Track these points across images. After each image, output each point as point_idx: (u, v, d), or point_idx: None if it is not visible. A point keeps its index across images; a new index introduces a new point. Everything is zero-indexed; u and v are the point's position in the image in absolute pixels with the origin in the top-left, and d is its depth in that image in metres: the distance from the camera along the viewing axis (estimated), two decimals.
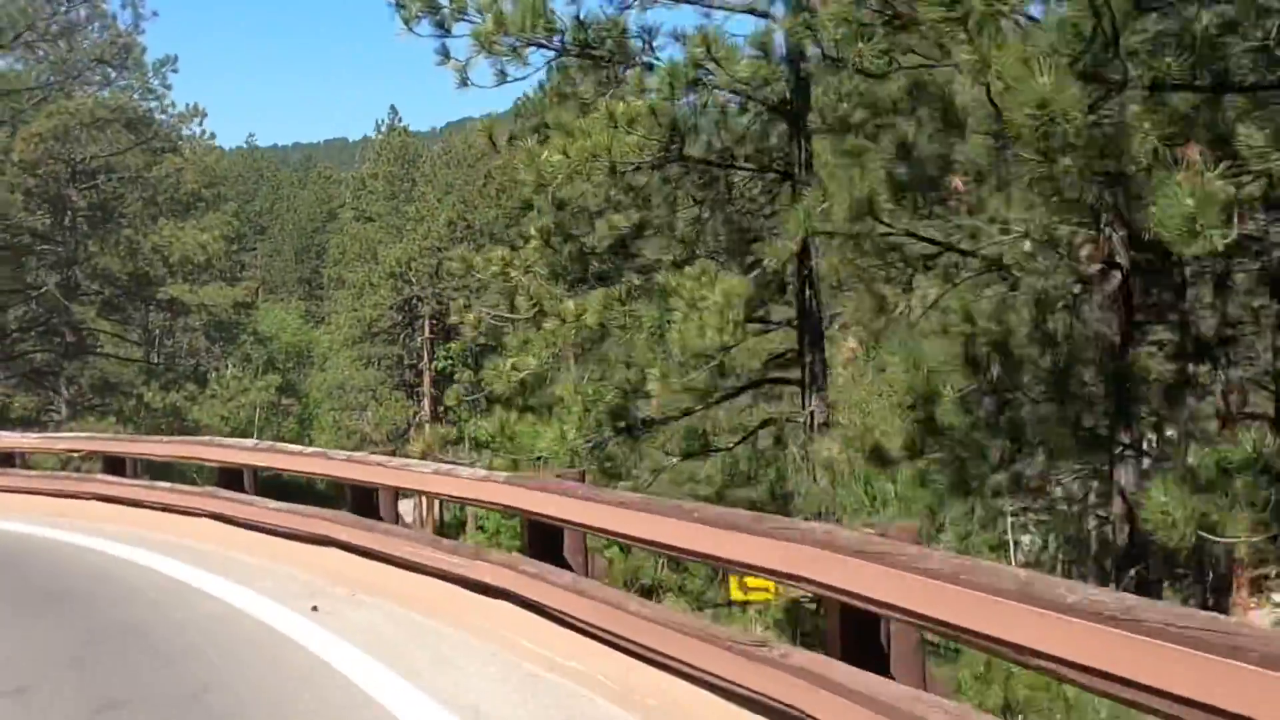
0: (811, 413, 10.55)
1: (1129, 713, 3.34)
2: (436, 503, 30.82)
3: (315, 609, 8.35)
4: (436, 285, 58.92)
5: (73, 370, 35.97)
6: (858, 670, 4.22)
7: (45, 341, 37.72)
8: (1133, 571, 9.75)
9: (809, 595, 7.85)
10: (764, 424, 11.04)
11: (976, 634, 3.55)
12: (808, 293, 10.60)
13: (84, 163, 35.51)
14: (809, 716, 4.24)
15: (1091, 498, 12.46)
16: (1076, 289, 8.91)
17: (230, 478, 11.41)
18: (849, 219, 8.36)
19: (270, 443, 10.63)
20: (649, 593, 10.65)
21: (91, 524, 13.04)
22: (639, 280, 10.36)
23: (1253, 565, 15.07)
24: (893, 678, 4.25)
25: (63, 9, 31.44)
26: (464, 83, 10.39)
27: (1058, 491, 11.99)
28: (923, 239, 9.46)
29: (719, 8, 10.47)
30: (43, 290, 33.64)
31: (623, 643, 5.69)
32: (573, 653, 6.21)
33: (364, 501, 9.37)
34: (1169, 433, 10.45)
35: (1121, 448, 8.19)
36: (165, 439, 13.40)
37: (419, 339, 60.59)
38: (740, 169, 10.74)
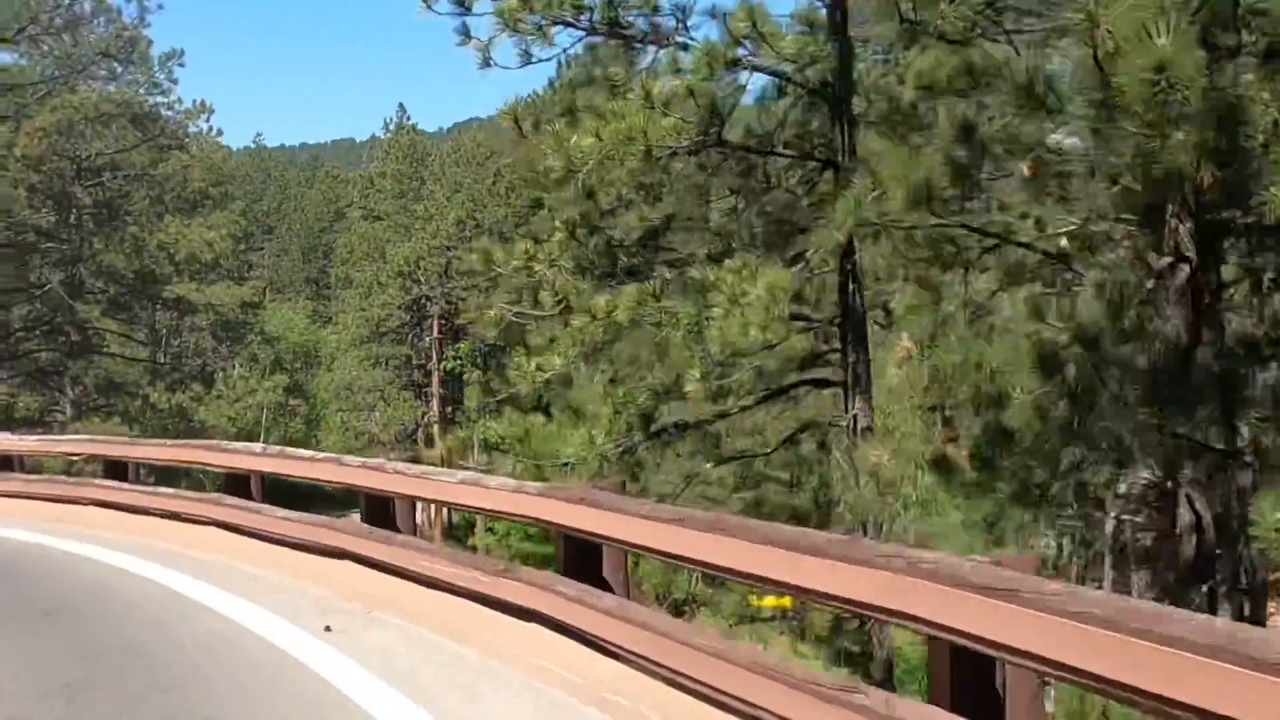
0: (854, 416, 9.89)
1: None
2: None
3: (328, 629, 7.69)
4: (445, 284, 58.32)
5: (77, 370, 35.40)
6: None
7: (50, 341, 37.17)
8: (1205, 587, 9.08)
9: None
10: (804, 428, 10.37)
11: (1149, 694, 2.88)
12: (850, 288, 9.93)
13: (89, 159, 34.95)
14: None
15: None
16: (1149, 283, 8.23)
17: (237, 484, 10.77)
18: (906, 206, 7.70)
19: (279, 448, 9.98)
20: (681, 608, 10.03)
21: (90, 531, 12.40)
22: (670, 275, 9.70)
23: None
24: None
25: (67, 2, 30.88)
26: (486, 63, 9.73)
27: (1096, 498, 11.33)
28: (978, 230, 8.78)
29: None
30: (46, 288, 33.06)
31: (678, 677, 5.02)
32: (617, 685, 5.55)
33: (380, 511, 8.72)
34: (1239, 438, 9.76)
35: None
36: (168, 442, 12.76)
37: (427, 339, 59.98)
38: (781, 155, 10.06)
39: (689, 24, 9.69)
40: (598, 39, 10.06)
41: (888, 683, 9.55)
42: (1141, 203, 8.41)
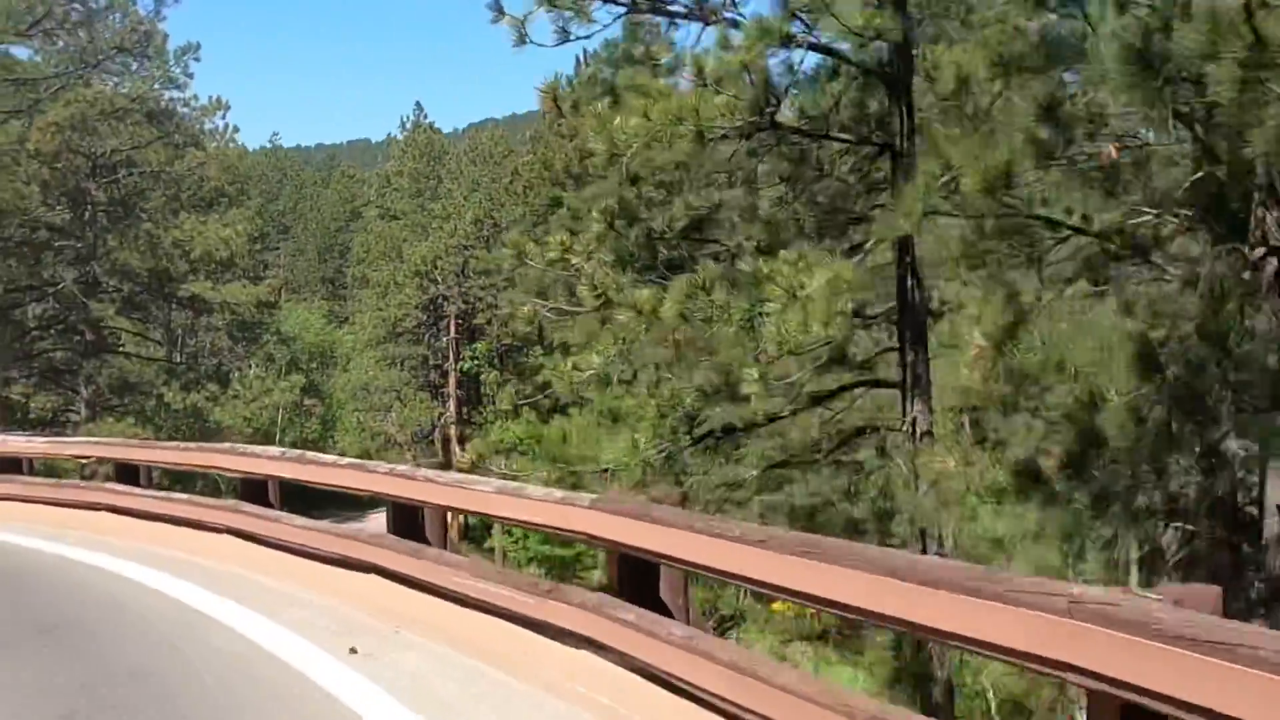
0: (913, 419, 9.21)
1: None
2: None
3: (354, 651, 7.05)
4: (463, 284, 57.76)
5: (91, 370, 34.90)
6: None
7: (64, 340, 36.69)
8: None
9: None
10: (859, 432, 9.69)
11: None
12: (909, 282, 9.25)
13: (104, 156, 34.46)
14: None
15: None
16: (1245, 275, 7.54)
17: (254, 489, 10.14)
18: (982, 192, 7.02)
19: (299, 452, 9.34)
20: (725, 624, 9.36)
21: (100, 538, 11.81)
22: (715, 268, 9.02)
23: None
24: None
25: None
26: (521, 40, 9.06)
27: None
28: (1054, 221, 8.09)
29: None
30: (60, 286, 32.55)
31: None
32: None
33: (408, 521, 8.06)
34: None
35: None
36: (182, 445, 12.14)
37: (444, 339, 59.44)
38: (837, 140, 9.39)
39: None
40: (640, 15, 9.38)
41: (949, 707, 8.87)
42: (1223, 191, 7.73)
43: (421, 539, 7.99)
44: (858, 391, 9.75)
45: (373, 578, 8.19)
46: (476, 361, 59.47)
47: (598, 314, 9.17)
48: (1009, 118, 7.52)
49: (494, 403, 60.19)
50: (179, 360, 42.37)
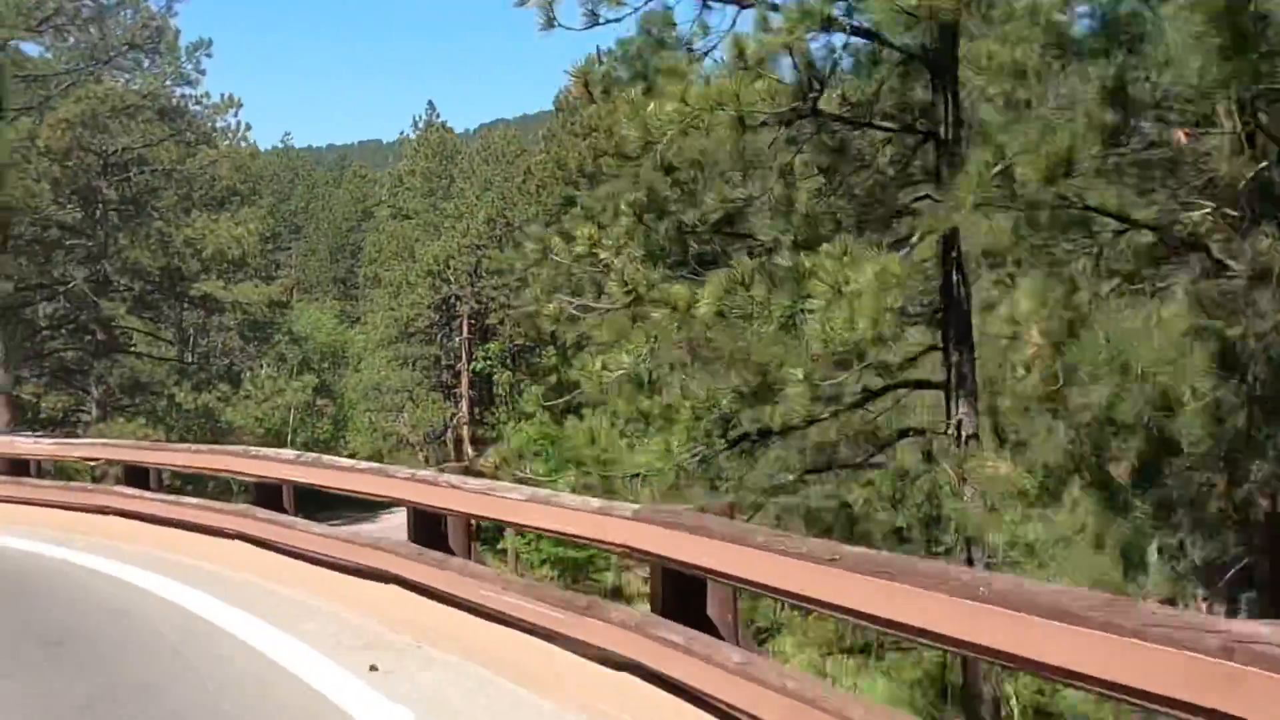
0: (958, 421, 8.75)
1: None
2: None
3: (374, 668, 6.63)
4: (475, 284, 57.40)
5: (102, 369, 34.57)
6: None
7: (75, 339, 36.38)
8: None
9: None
10: (902, 434, 9.23)
11: None
12: (955, 278, 8.80)
13: (116, 154, 34.14)
14: None
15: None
16: None
17: (267, 493, 9.73)
18: (1043, 180, 6.57)
19: (314, 455, 8.94)
20: (761, 637, 8.91)
21: (109, 543, 11.42)
22: (750, 263, 8.55)
23: None
24: None
25: None
26: (549, 23, 8.64)
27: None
28: (1112, 215, 7.63)
29: None
30: (71, 285, 32.22)
31: None
32: None
33: (430, 529, 7.64)
34: None
35: None
36: (193, 447, 11.73)
37: (457, 339, 59.10)
38: (880, 128, 8.93)
39: None
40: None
41: None
42: None
43: (444, 548, 7.56)
44: (899, 393, 9.30)
45: (392, 588, 7.78)
46: (489, 362, 59.11)
47: (628, 311, 8.74)
48: (1069, 102, 7.08)
49: (510, 403, 59.91)
50: (190, 360, 42.05)
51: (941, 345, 9.00)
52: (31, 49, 33.17)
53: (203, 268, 35.53)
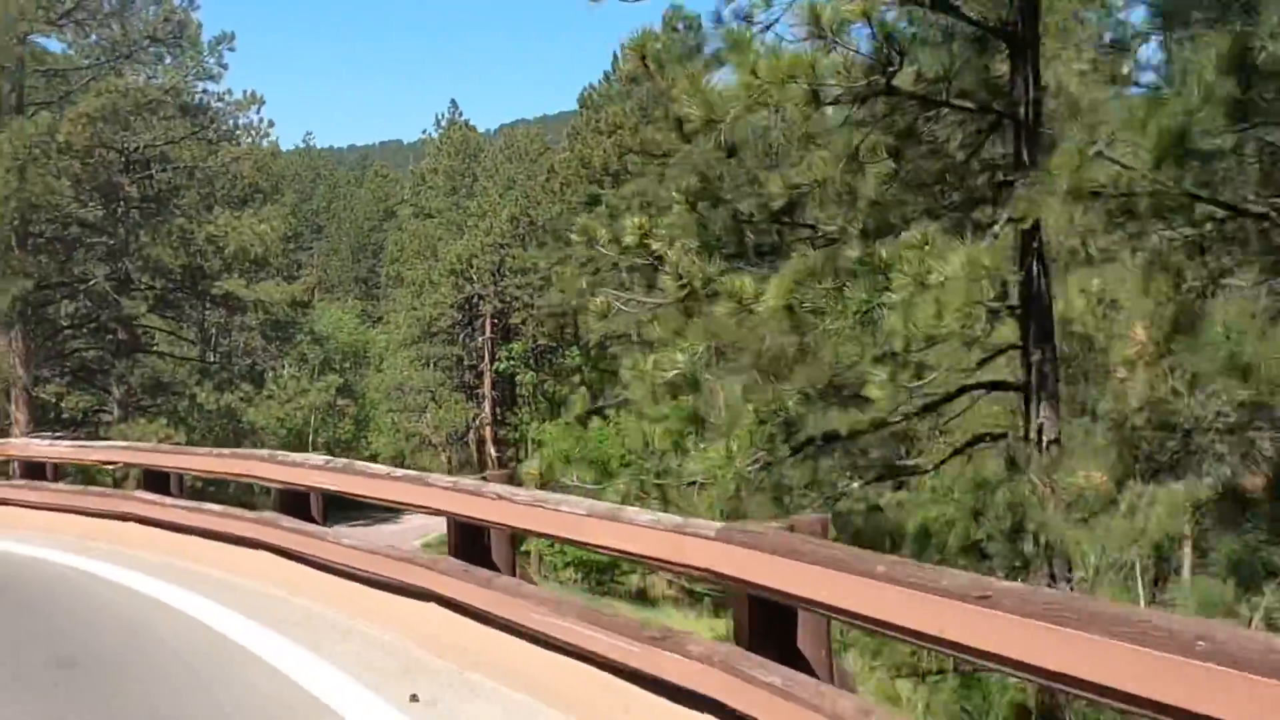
0: (1039, 426, 8.07)
1: None
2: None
3: (414, 698, 5.99)
4: (499, 283, 56.90)
5: (123, 369, 34.14)
6: None
7: (96, 338, 35.98)
8: None
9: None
10: (974, 440, 8.54)
11: None
12: (1035, 270, 8.11)
13: (138, 151, 33.71)
14: None
15: None
16: None
17: (294, 500, 9.12)
18: (1154, 162, 5.89)
19: (345, 461, 8.32)
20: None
21: (127, 551, 10.85)
22: (819, 253, 7.88)
23: None
24: None
25: None
26: None
27: None
28: (1217, 202, 6.93)
29: None
30: (92, 283, 31.78)
31: None
32: None
33: (472, 543, 7.01)
34: None
35: None
36: (215, 451, 11.14)
37: (480, 339, 58.60)
38: (957, 108, 8.23)
39: None
40: None
41: None
42: None
43: (488, 563, 6.93)
44: (973, 395, 8.60)
45: (431, 606, 7.14)
46: (512, 362, 58.61)
47: (681, 306, 8.09)
48: (1179, 74, 6.39)
49: (533, 404, 59.36)
50: (212, 360, 41.62)
51: (1020, 343, 8.31)
52: (54, 46, 32.84)
53: (224, 266, 35.08)
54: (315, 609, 8.20)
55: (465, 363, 59.37)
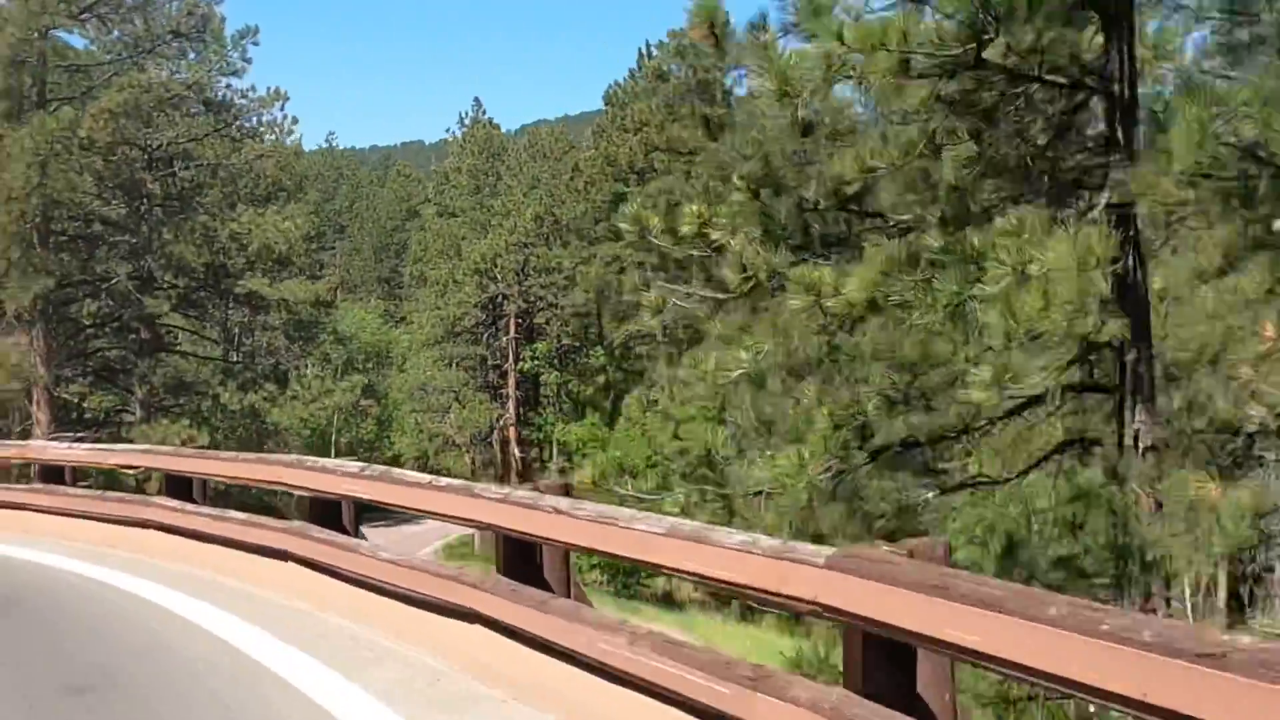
0: (1136, 430, 7.37)
1: None
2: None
3: None
4: (523, 282, 56.33)
5: (145, 368, 33.70)
6: None
7: (119, 338, 35.57)
8: None
9: None
10: (1063, 446, 7.84)
11: None
12: (1132, 260, 7.41)
13: (160, 149, 33.29)
14: None
15: None
16: None
17: (324, 509, 8.50)
18: None
19: (382, 468, 7.70)
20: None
21: (148, 560, 10.28)
22: (900, 243, 7.20)
23: None
24: None
25: None
26: None
27: None
28: None
29: None
30: (114, 281, 31.33)
31: None
32: None
33: (523, 560, 6.36)
34: None
35: None
36: (238, 455, 10.54)
37: (504, 338, 58.01)
38: (1049, 83, 7.53)
39: None
40: None
41: None
42: None
43: (539, 582, 6.28)
44: (1053, 399, 7.89)
45: (478, 629, 6.50)
46: (536, 362, 58.03)
47: (746, 300, 7.42)
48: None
49: (558, 404, 58.78)
50: (235, 360, 41.18)
51: (1115, 341, 7.58)
52: (77, 42, 32.44)
53: (248, 264, 34.61)
54: (348, 627, 7.58)
55: (489, 363, 58.82)
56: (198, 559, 9.84)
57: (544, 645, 5.83)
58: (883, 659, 4.02)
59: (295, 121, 42.50)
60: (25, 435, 28.27)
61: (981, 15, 6.69)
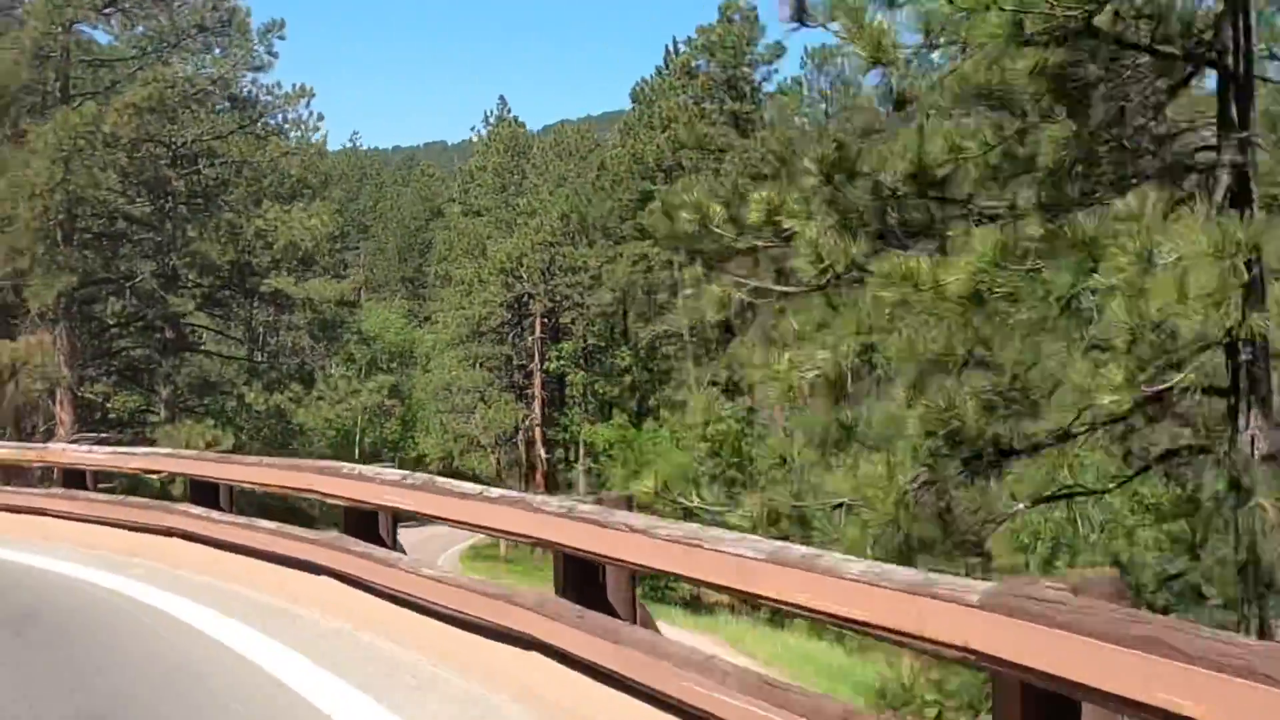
0: (1251, 437, 6.69)
1: None
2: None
3: None
4: (549, 282, 55.74)
5: (170, 368, 33.27)
6: None
7: (143, 337, 35.17)
8: None
9: None
10: (1166, 455, 7.15)
11: None
12: None
13: (185, 146, 32.89)
14: None
15: None
16: None
17: (360, 519, 7.88)
18: None
19: (425, 476, 7.09)
20: None
21: (172, 571, 9.69)
22: (1001, 231, 6.53)
23: None
24: None
25: None
26: None
27: None
28: None
29: None
30: (138, 279, 30.91)
31: None
32: None
33: (585, 581, 5.72)
34: None
35: None
36: (265, 461, 9.95)
37: (529, 338, 57.45)
38: (1161, 55, 6.83)
39: None
40: None
41: None
42: None
43: (604, 606, 5.64)
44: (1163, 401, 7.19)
45: (535, 656, 5.85)
46: (562, 362, 57.43)
47: (822, 293, 6.78)
48: None
49: (584, 405, 58.18)
50: (260, 359, 40.74)
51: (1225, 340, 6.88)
52: (101, 38, 32.06)
53: (273, 262, 34.15)
54: (387, 650, 6.95)
55: (514, 363, 58.25)
56: (224, 570, 9.24)
57: (616, 679, 5.18)
58: (1044, 714, 3.36)
59: (320, 119, 42.05)
60: (49, 435, 27.89)
61: None
